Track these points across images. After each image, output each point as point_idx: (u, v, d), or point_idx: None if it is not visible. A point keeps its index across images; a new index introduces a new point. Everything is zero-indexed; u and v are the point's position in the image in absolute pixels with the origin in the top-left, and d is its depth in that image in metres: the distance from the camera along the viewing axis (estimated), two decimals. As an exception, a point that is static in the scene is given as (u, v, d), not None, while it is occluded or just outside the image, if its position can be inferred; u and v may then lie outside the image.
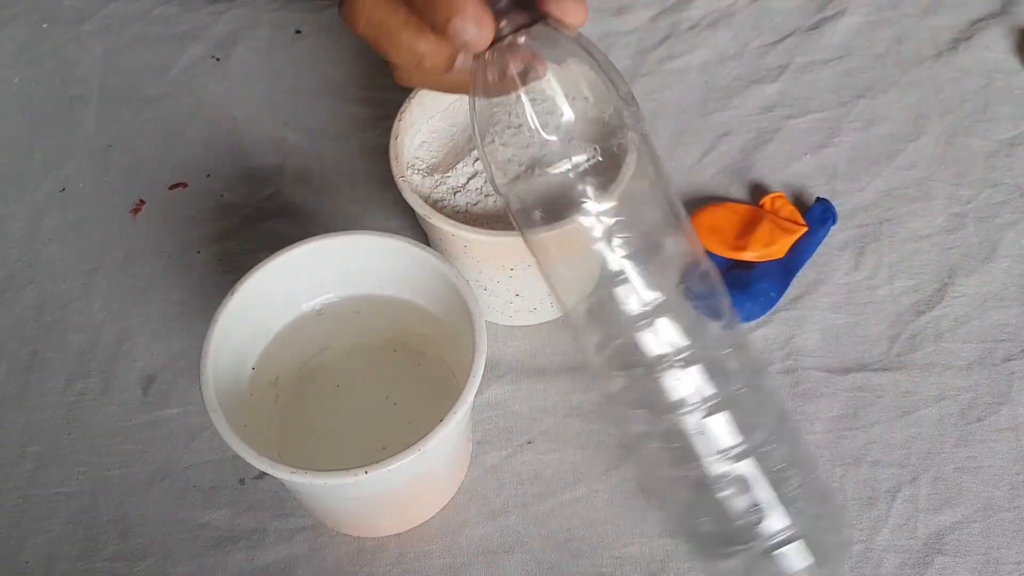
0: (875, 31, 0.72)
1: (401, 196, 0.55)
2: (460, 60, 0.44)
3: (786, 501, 0.46)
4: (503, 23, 0.42)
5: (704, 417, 0.46)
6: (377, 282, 0.55)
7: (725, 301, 0.48)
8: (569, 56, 0.45)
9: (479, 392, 0.58)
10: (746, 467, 0.46)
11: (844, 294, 0.61)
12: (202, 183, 0.68)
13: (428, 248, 0.53)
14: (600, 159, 0.45)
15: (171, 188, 0.68)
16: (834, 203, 0.63)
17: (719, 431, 0.46)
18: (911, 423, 0.56)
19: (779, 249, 0.61)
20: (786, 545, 0.46)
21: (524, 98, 0.44)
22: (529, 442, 0.57)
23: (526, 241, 0.47)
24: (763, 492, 0.46)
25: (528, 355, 0.60)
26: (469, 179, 0.57)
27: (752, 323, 0.60)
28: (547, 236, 0.46)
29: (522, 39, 0.43)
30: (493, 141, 0.56)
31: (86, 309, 0.63)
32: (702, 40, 0.72)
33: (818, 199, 0.63)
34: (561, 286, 0.48)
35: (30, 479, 0.57)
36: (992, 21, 0.71)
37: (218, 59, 0.74)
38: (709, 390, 0.46)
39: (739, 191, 0.65)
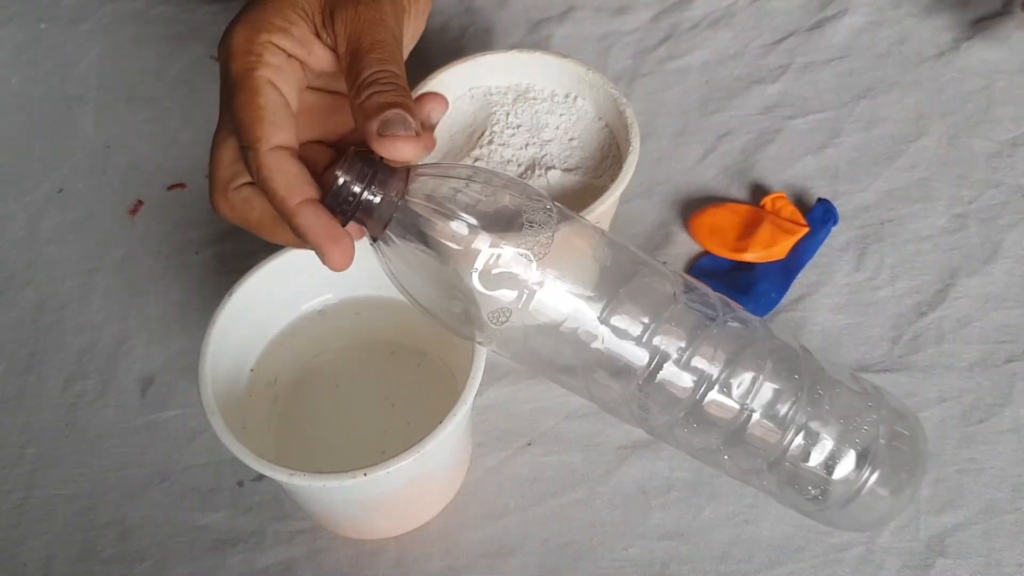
0: (876, 31, 0.71)
1: None
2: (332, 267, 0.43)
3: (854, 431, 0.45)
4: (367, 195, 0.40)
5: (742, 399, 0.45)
6: (376, 283, 0.55)
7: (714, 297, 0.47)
8: (440, 216, 0.42)
9: (478, 394, 0.58)
10: (805, 417, 0.45)
11: (845, 295, 0.60)
12: (201, 184, 0.68)
13: None
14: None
15: (169, 189, 0.68)
16: (835, 204, 0.63)
17: (763, 399, 0.44)
18: (913, 425, 0.56)
19: (780, 250, 0.61)
20: (869, 479, 0.45)
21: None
22: (529, 444, 0.57)
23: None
24: (829, 434, 0.45)
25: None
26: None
27: (753, 324, 0.60)
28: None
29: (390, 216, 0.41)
30: (492, 141, 0.56)
31: (84, 310, 0.63)
32: (703, 40, 0.72)
33: (819, 200, 0.63)
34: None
35: (29, 481, 0.57)
36: (993, 21, 0.71)
37: (216, 59, 0.74)
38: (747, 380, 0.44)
39: (740, 192, 0.65)
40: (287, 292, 0.54)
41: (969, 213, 0.63)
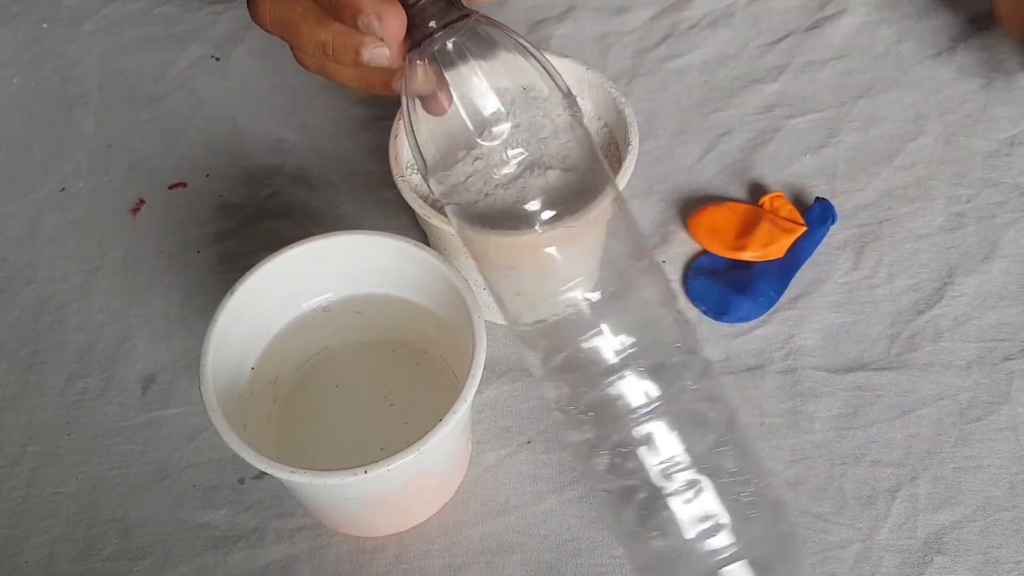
0: (875, 31, 0.72)
1: (400, 196, 0.55)
2: (366, 55, 0.43)
3: (736, 511, 0.46)
4: (431, 22, 0.42)
5: (647, 423, 0.45)
6: (377, 281, 0.55)
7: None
8: (502, 49, 0.45)
9: (478, 392, 0.58)
10: (694, 475, 0.45)
11: (843, 294, 0.61)
12: (202, 183, 0.68)
13: (427, 248, 0.53)
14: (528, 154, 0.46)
15: (171, 188, 0.68)
16: (833, 203, 0.63)
17: (664, 438, 0.45)
18: (910, 422, 0.56)
19: (778, 249, 0.61)
20: (732, 563, 0.46)
21: (457, 101, 0.44)
22: (528, 442, 0.57)
23: (468, 242, 0.47)
24: (712, 502, 0.46)
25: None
26: (468, 178, 0.56)
27: (751, 323, 0.60)
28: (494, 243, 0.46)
29: (452, 39, 0.42)
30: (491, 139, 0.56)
31: (86, 309, 0.63)
32: (702, 40, 0.72)
33: (817, 199, 0.63)
34: (508, 297, 0.48)
35: (30, 479, 0.57)
36: (991, 21, 0.71)
37: (218, 59, 0.74)
38: (655, 393, 0.45)
39: (738, 191, 0.65)
40: (288, 290, 0.54)
41: (967, 212, 0.63)
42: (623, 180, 0.55)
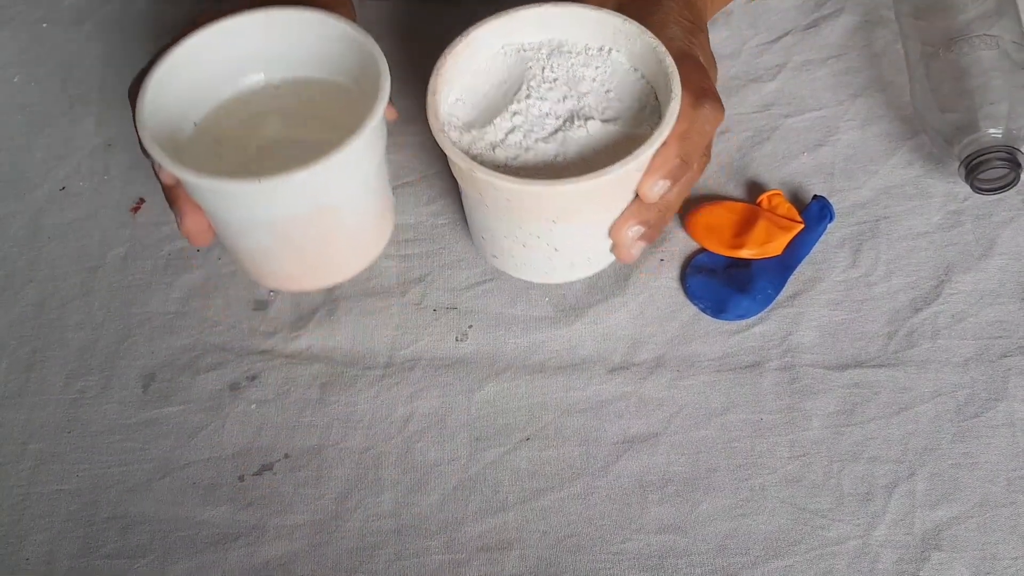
0: (872, 30, 0.72)
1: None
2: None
3: None
4: None
5: None
6: (326, 68, 0.57)
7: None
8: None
9: (480, 388, 0.59)
10: None
11: (841, 291, 0.61)
12: (202, 182, 0.68)
13: (343, 18, 0.56)
14: None
15: (171, 187, 0.68)
16: (831, 201, 0.63)
17: None
18: (908, 419, 0.56)
19: (776, 247, 0.62)
20: None
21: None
22: (527, 439, 0.57)
23: None
24: None
25: (527, 350, 0.60)
26: (507, 134, 0.55)
27: (750, 320, 0.60)
28: None
29: None
30: (529, 96, 0.56)
31: (86, 307, 0.64)
32: (700, 39, 0.73)
33: (815, 197, 0.63)
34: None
35: (30, 476, 0.58)
36: (987, 20, 0.71)
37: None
38: None
39: (736, 189, 0.65)
40: (230, 62, 0.57)
41: (964, 210, 0.63)
42: (667, 126, 0.53)
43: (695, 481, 0.55)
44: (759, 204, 0.63)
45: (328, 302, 0.62)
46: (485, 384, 0.59)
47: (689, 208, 0.64)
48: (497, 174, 0.52)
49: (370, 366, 0.60)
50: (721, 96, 0.69)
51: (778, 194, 0.64)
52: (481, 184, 0.53)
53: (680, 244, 0.63)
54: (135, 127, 0.54)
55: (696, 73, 0.56)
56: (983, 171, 0.60)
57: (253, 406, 0.59)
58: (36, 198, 0.69)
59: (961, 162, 0.61)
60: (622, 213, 0.55)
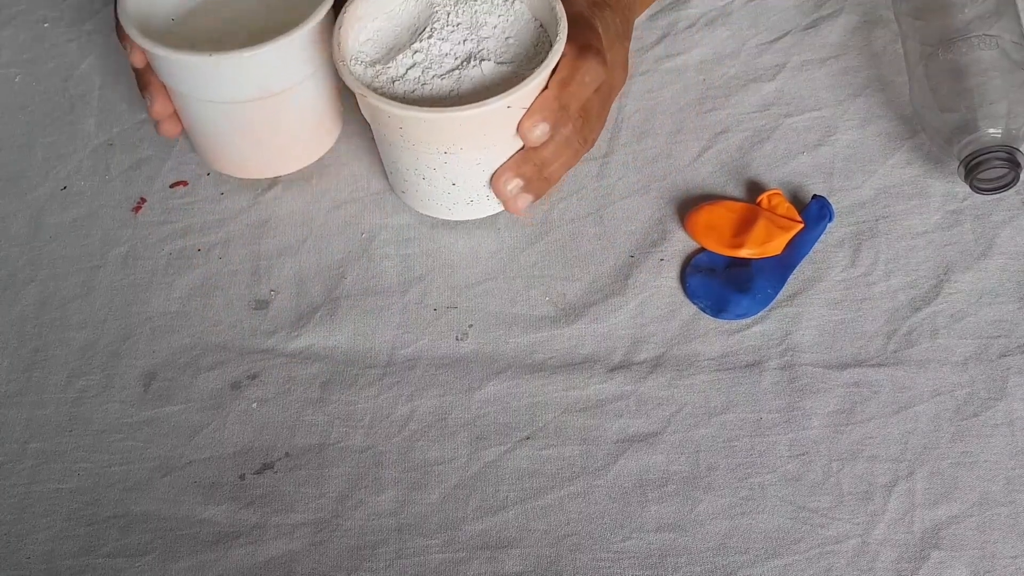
0: (871, 30, 0.72)
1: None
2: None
3: None
4: None
5: None
6: None
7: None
8: None
9: (480, 387, 0.59)
10: None
11: (841, 290, 0.61)
12: (203, 181, 0.68)
13: None
14: None
15: (172, 186, 0.68)
16: (831, 200, 0.63)
17: None
18: (907, 418, 0.56)
19: (776, 246, 0.62)
20: None
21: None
22: (527, 438, 0.57)
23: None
24: None
25: (527, 350, 0.60)
26: (408, 70, 0.60)
27: (749, 319, 0.60)
28: None
29: None
30: (431, 36, 0.58)
31: (87, 307, 0.64)
32: (699, 39, 0.73)
33: (815, 196, 0.64)
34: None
35: (31, 475, 0.58)
36: (986, 20, 0.71)
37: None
38: None
39: (736, 189, 0.65)
40: None
41: (963, 209, 0.63)
42: (548, 66, 0.57)
43: (695, 480, 0.55)
44: (759, 204, 0.64)
45: (329, 301, 0.62)
46: (485, 383, 0.59)
47: (689, 208, 0.64)
48: (386, 100, 0.56)
49: (370, 365, 0.60)
50: (721, 96, 0.70)
51: (778, 194, 0.64)
52: (375, 112, 0.58)
53: (680, 244, 0.63)
54: (114, 13, 0.59)
55: (587, 31, 0.59)
56: (982, 171, 0.60)
57: (254, 405, 0.59)
58: (37, 197, 0.69)
59: (960, 162, 0.61)
60: (502, 164, 0.59)
